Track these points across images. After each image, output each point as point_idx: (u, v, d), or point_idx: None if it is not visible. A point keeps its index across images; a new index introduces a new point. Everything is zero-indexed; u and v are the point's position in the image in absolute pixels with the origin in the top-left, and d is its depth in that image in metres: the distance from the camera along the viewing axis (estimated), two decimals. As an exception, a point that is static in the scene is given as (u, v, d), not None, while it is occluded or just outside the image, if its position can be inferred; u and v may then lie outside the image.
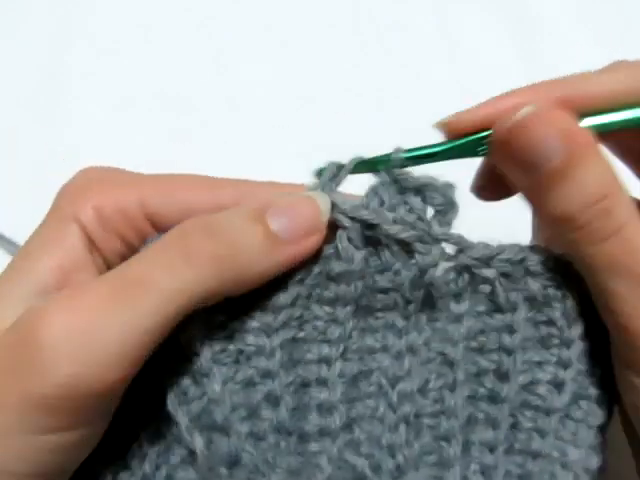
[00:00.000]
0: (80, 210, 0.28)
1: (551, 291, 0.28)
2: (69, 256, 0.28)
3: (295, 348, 0.27)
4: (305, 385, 0.27)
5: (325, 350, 0.27)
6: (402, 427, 0.27)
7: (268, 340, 0.27)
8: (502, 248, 0.28)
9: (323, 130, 0.53)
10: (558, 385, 0.28)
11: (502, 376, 0.28)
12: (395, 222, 0.27)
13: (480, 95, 0.46)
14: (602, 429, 0.28)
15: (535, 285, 0.28)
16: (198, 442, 0.25)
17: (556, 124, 0.25)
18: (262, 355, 0.27)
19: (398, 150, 0.28)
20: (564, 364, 0.28)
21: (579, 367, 0.28)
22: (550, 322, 0.28)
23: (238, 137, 0.52)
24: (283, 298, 0.27)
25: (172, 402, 0.26)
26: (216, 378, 0.26)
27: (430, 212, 0.28)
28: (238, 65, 0.56)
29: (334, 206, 0.27)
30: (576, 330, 0.28)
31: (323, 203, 0.27)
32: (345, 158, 0.30)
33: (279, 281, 0.26)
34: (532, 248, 0.28)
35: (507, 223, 0.37)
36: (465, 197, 0.29)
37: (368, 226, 0.27)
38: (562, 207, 0.25)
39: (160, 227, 0.28)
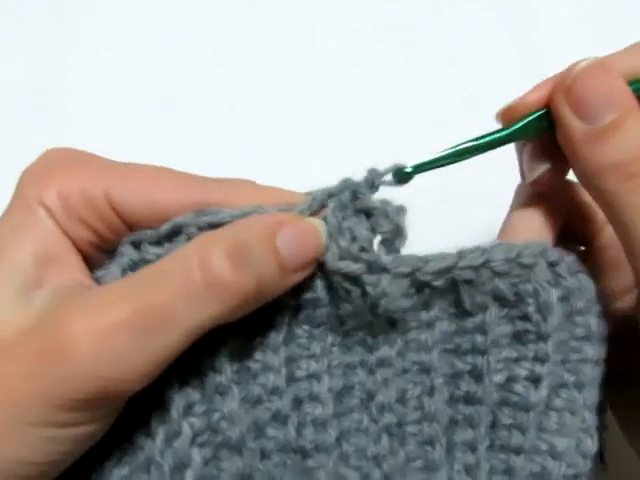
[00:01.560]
0: (45, 195, 0.28)
1: (521, 287, 0.28)
2: (47, 241, 0.28)
3: (288, 365, 0.28)
4: (299, 401, 0.28)
5: (313, 365, 0.28)
6: (384, 437, 0.28)
7: (275, 356, 0.28)
8: (461, 255, 0.28)
9: (323, 130, 0.53)
10: (535, 380, 0.28)
11: (477, 377, 0.28)
12: (342, 254, 0.27)
13: (480, 96, 0.47)
14: (596, 410, 0.28)
15: (504, 284, 0.28)
16: (195, 457, 0.26)
17: (613, 79, 0.28)
18: (269, 372, 0.27)
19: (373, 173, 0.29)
20: (541, 359, 0.28)
21: (556, 359, 0.28)
22: (525, 317, 0.28)
23: (238, 137, 0.52)
24: (279, 316, 0.28)
25: (177, 412, 0.26)
26: (235, 396, 0.26)
27: (377, 238, 0.28)
28: (238, 65, 0.56)
29: None
30: (551, 322, 0.28)
31: (325, 234, 0.28)
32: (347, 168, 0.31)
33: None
34: (495, 247, 0.28)
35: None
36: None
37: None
38: (615, 156, 0.27)
39: (125, 218, 0.28)
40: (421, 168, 0.30)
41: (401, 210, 0.28)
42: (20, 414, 0.24)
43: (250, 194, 0.29)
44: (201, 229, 0.26)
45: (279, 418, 0.27)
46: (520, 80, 0.57)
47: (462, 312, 0.29)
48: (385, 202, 0.28)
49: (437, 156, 0.30)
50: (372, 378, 0.28)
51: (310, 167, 0.50)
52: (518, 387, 0.28)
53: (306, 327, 0.29)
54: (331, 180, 0.51)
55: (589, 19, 0.58)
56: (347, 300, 0.28)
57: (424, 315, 0.29)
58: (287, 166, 0.51)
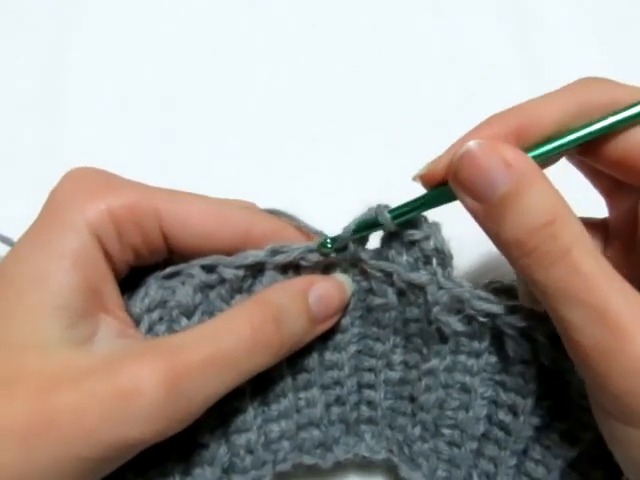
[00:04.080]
0: (94, 216, 0.28)
1: (562, 361, 0.29)
2: (93, 274, 0.28)
3: (357, 359, 0.35)
4: (360, 386, 0.35)
5: (372, 362, 0.35)
6: (418, 427, 0.34)
7: (340, 356, 0.35)
8: (508, 309, 0.30)
9: (322, 130, 0.53)
10: (572, 439, 0.31)
11: (514, 412, 0.32)
12: (411, 269, 0.32)
13: (480, 96, 0.47)
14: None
15: (542, 355, 0.30)
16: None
17: (499, 155, 0.26)
18: (335, 368, 0.35)
19: (381, 209, 0.31)
20: (583, 425, 0.30)
21: (592, 435, 0.30)
22: (565, 384, 0.30)
23: (238, 137, 0.52)
24: (345, 320, 0.34)
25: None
26: (316, 383, 0.35)
27: (433, 259, 0.33)
28: (238, 65, 0.56)
29: (362, 259, 0.33)
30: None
31: (349, 288, 0.33)
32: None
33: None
34: (542, 316, 0.29)
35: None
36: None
37: (389, 274, 0.32)
38: (509, 234, 0.26)
39: (172, 244, 0.30)
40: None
41: (438, 229, 0.32)
42: (84, 448, 0.25)
43: (280, 228, 0.33)
44: (275, 267, 0.32)
45: (340, 400, 0.35)
46: (520, 80, 0.57)
47: (508, 355, 0.32)
48: (422, 224, 0.32)
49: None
50: (418, 383, 0.33)
51: (310, 167, 0.51)
52: (554, 437, 0.31)
53: (374, 329, 0.34)
54: (331, 180, 0.52)
55: (589, 19, 0.58)
56: (414, 304, 0.32)
57: (475, 344, 0.32)
58: (287, 166, 0.51)
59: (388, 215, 0.31)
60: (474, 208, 0.27)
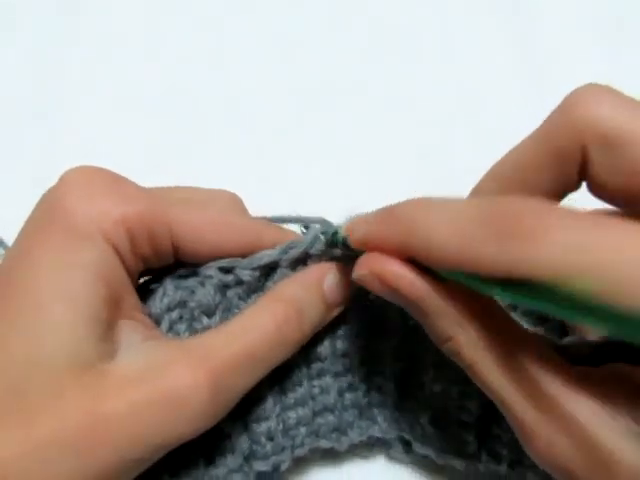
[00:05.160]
0: (108, 226, 0.27)
1: None
2: (115, 282, 0.27)
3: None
4: (370, 373, 0.37)
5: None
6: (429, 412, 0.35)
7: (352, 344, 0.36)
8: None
9: (322, 130, 0.53)
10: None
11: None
12: None
13: (480, 97, 0.47)
14: None
15: None
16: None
17: (386, 283, 0.26)
18: (346, 357, 0.36)
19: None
20: None
21: None
22: None
23: (239, 138, 0.52)
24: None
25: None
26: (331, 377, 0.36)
27: None
28: (240, 66, 0.56)
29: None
30: None
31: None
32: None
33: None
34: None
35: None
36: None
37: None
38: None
39: (181, 255, 0.31)
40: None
41: None
42: (132, 452, 0.25)
43: (288, 235, 0.34)
44: (287, 265, 0.33)
45: (352, 387, 0.36)
46: (520, 80, 0.57)
47: None
48: None
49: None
50: (427, 374, 0.35)
51: (310, 167, 0.50)
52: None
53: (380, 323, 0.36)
54: (330, 180, 0.51)
55: (589, 19, 0.58)
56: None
57: None
58: (287, 166, 0.51)
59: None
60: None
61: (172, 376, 0.26)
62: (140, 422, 0.25)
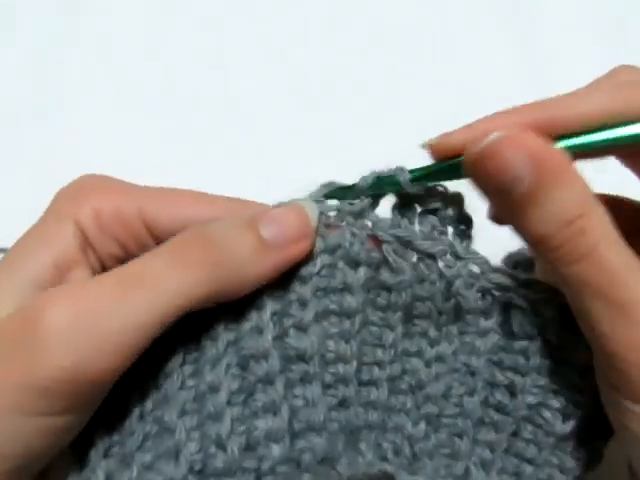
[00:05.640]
0: (79, 210, 0.29)
1: (567, 337, 0.29)
2: (64, 253, 0.29)
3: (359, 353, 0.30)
4: (361, 384, 0.31)
5: (379, 354, 0.31)
6: (422, 423, 0.31)
7: (348, 346, 0.30)
8: (523, 282, 0.30)
9: (322, 130, 0.53)
10: (565, 416, 0.30)
11: (512, 392, 0.31)
12: (424, 237, 0.30)
13: (480, 96, 0.47)
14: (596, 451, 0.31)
15: (549, 329, 0.30)
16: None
17: (525, 148, 0.25)
18: (340, 362, 0.30)
19: (399, 170, 0.31)
20: (574, 403, 0.30)
21: (586, 412, 0.30)
22: (566, 361, 0.30)
23: (239, 138, 0.52)
24: (354, 301, 0.30)
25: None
26: (317, 385, 0.29)
27: (449, 228, 0.31)
28: (240, 66, 0.56)
29: (375, 224, 0.30)
30: (587, 380, 0.29)
31: (311, 211, 0.30)
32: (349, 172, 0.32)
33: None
34: (555, 290, 0.29)
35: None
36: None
37: (403, 242, 0.30)
38: (537, 228, 0.26)
39: (158, 237, 0.30)
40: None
41: (461, 197, 0.30)
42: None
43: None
44: None
45: (344, 404, 0.30)
46: (520, 80, 0.57)
47: (512, 331, 0.31)
48: (444, 194, 0.30)
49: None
50: (427, 370, 0.31)
51: (310, 167, 0.50)
52: (547, 414, 0.30)
53: (382, 314, 0.31)
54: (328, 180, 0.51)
55: (589, 19, 0.58)
56: (426, 279, 0.30)
57: (482, 322, 0.30)
58: (287, 166, 0.51)
59: (408, 175, 0.30)
60: (497, 203, 0.27)
61: (35, 305, 0.25)
62: (2, 357, 0.24)
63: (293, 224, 0.29)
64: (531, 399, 0.30)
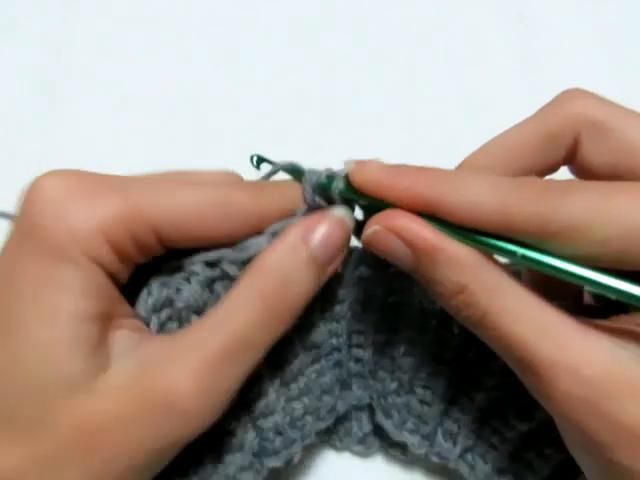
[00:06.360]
0: (89, 242, 0.25)
1: None
2: (102, 297, 0.26)
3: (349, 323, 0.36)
4: (350, 346, 0.37)
5: (362, 326, 0.36)
6: (395, 383, 0.36)
7: (339, 325, 0.35)
8: None
9: (322, 130, 0.53)
10: (526, 416, 0.34)
11: (479, 387, 0.35)
12: None
13: (480, 97, 0.47)
14: None
15: None
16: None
17: (399, 234, 0.27)
18: (334, 337, 0.35)
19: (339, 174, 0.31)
20: None
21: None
22: None
23: (239, 138, 0.52)
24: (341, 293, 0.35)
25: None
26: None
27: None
28: (240, 66, 0.56)
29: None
30: None
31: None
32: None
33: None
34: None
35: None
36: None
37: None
38: (434, 296, 0.28)
39: (167, 246, 0.28)
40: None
41: None
42: (130, 457, 0.25)
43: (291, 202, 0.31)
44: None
45: (338, 364, 0.36)
46: (520, 80, 0.57)
47: None
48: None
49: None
50: (399, 348, 0.36)
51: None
52: (511, 410, 0.34)
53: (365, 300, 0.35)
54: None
55: (589, 20, 0.58)
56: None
57: None
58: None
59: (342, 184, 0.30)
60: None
61: (160, 379, 0.25)
62: (131, 429, 0.25)
63: (341, 243, 0.30)
64: (496, 394, 0.34)
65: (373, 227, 0.28)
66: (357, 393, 0.37)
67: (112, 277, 0.27)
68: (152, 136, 0.52)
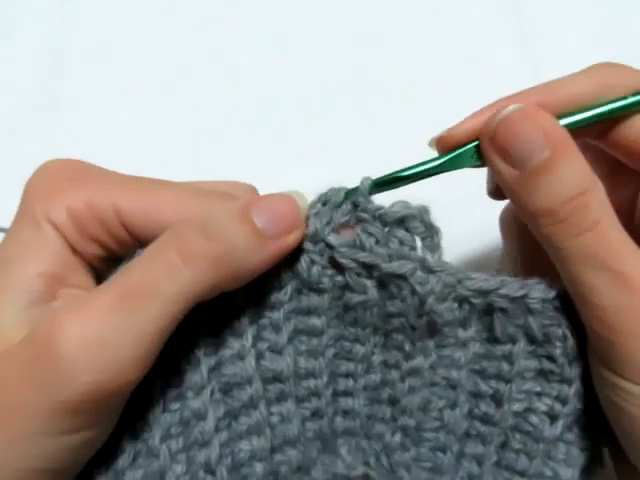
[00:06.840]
0: (53, 212, 0.28)
1: (552, 330, 0.29)
2: (55, 260, 0.28)
3: (333, 364, 0.31)
4: (336, 395, 0.31)
5: (351, 367, 0.31)
6: (398, 434, 0.31)
7: (317, 362, 0.31)
8: (502, 283, 0.29)
9: (322, 130, 0.53)
10: (552, 417, 0.29)
11: (498, 401, 0.30)
12: (390, 258, 0.29)
13: (480, 96, 0.46)
14: (594, 452, 0.30)
15: (535, 324, 0.29)
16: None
17: (539, 122, 0.27)
18: (312, 377, 0.31)
19: (363, 180, 0.30)
20: (562, 400, 0.29)
21: (576, 404, 0.29)
22: (551, 358, 0.29)
23: (239, 138, 0.52)
24: (319, 321, 0.30)
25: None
26: (292, 401, 0.30)
27: (418, 241, 0.30)
28: (240, 66, 0.56)
29: (337, 246, 0.29)
30: (576, 370, 0.29)
31: (301, 201, 0.30)
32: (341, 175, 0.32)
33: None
34: (535, 284, 0.29)
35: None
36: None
37: (368, 266, 0.29)
38: (544, 201, 0.27)
39: (133, 233, 0.29)
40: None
41: (426, 209, 0.30)
42: (26, 422, 0.24)
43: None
44: None
45: (317, 414, 0.31)
46: (520, 80, 0.57)
47: (493, 338, 0.30)
48: (408, 206, 0.30)
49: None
50: (401, 385, 0.31)
51: (309, 167, 0.50)
52: (534, 419, 0.30)
53: (352, 329, 0.31)
54: (330, 180, 0.51)
55: (589, 19, 0.58)
56: (397, 297, 0.29)
57: (461, 333, 0.30)
58: (287, 166, 0.51)
59: (369, 182, 0.30)
60: (507, 174, 0.28)
61: (45, 327, 0.25)
62: (28, 386, 0.24)
63: (286, 214, 0.28)
64: (517, 406, 0.30)
65: (515, 105, 0.28)
66: (347, 459, 0.30)
67: (75, 250, 0.29)
68: (152, 136, 0.52)
